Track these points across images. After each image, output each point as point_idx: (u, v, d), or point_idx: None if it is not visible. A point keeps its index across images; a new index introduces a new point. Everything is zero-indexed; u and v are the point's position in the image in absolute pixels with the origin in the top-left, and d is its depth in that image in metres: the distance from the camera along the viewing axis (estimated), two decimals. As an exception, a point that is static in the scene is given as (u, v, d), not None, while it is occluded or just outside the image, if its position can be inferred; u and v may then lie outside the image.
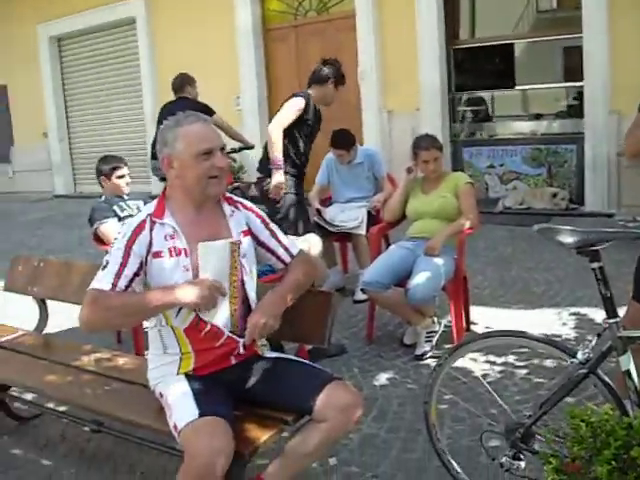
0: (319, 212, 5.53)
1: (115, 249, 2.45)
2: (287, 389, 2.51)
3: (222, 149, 2.51)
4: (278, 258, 2.72)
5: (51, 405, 3.50)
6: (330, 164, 5.73)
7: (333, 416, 2.38)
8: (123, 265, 2.41)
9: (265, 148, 5.00)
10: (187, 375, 2.50)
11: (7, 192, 14.70)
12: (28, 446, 3.56)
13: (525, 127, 8.67)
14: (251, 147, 7.63)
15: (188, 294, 2.38)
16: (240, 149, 7.75)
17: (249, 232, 2.63)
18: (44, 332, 3.95)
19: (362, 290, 4.26)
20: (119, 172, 4.73)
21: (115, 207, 4.66)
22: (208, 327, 2.48)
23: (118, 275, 2.39)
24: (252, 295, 2.61)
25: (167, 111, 6.74)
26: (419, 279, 3.98)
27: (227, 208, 2.62)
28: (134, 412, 2.70)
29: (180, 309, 2.45)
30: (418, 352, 4.16)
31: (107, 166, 4.74)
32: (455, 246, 4.22)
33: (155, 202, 2.57)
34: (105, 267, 2.43)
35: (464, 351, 2.59)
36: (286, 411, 2.50)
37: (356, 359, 4.28)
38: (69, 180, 13.79)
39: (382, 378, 3.97)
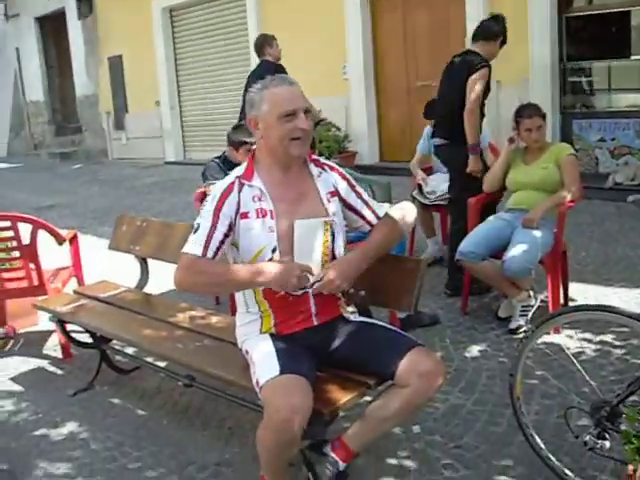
0: (419, 186, 5.48)
1: (205, 212, 2.51)
2: (370, 353, 2.52)
3: (307, 111, 2.52)
4: (365, 220, 2.72)
5: (149, 359, 3.67)
6: (430, 133, 5.63)
7: (415, 382, 2.38)
8: (213, 228, 2.47)
9: None
10: (272, 335, 2.55)
11: (121, 158, 15.35)
12: (126, 396, 3.75)
13: (640, 100, 8.22)
14: (320, 122, 7.67)
15: (276, 279, 2.42)
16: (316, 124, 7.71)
17: (336, 193, 2.64)
18: (144, 290, 4.14)
19: (457, 261, 4.19)
20: (246, 147, 4.72)
21: (228, 171, 4.62)
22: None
23: (208, 239, 2.46)
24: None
25: (250, 76, 7.11)
26: (515, 251, 3.88)
27: (314, 169, 2.63)
28: (221, 368, 2.79)
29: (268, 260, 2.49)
30: (512, 326, 4.07)
31: (237, 138, 4.63)
32: (555, 219, 4.07)
33: (245, 164, 2.62)
34: (196, 230, 2.50)
35: (552, 324, 2.51)
36: (368, 375, 2.52)
37: (449, 330, 4.23)
38: (179, 147, 14.19)
39: (474, 350, 3.91)
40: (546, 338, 2.73)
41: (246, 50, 12.17)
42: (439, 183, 5.42)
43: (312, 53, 10.54)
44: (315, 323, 2.58)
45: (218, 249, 2.49)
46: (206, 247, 2.47)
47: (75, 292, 4.14)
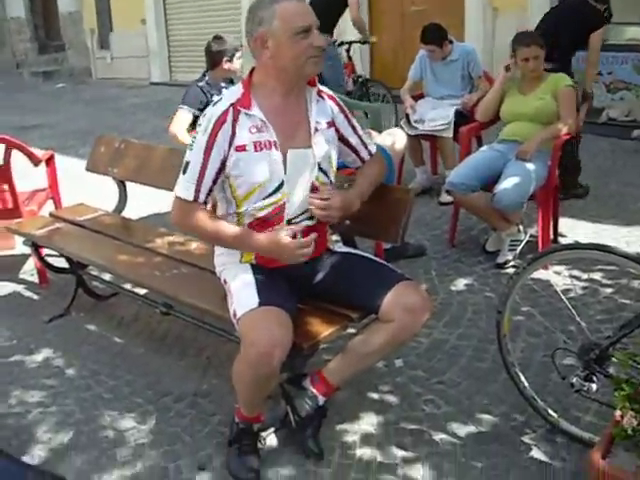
0: (407, 115, 5.30)
1: (196, 146, 2.32)
2: (355, 286, 2.42)
3: (318, 28, 2.32)
4: (358, 155, 2.58)
5: (127, 286, 3.56)
6: (423, 60, 5.43)
7: (399, 316, 2.29)
8: (204, 167, 2.30)
9: None
10: (252, 265, 2.43)
11: (105, 78, 14.92)
12: (102, 323, 3.67)
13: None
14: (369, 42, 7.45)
15: (269, 254, 2.34)
16: (364, 42, 7.39)
17: (333, 124, 2.47)
18: (123, 214, 4.00)
19: (447, 192, 4.07)
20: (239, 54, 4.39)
21: (214, 93, 4.22)
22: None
23: (200, 180, 2.31)
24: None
25: None
26: (507, 184, 3.75)
27: (314, 94, 2.44)
28: (197, 296, 2.70)
29: (263, 198, 2.35)
30: (500, 260, 3.98)
31: (226, 47, 4.29)
32: (550, 152, 3.93)
33: (239, 88, 2.38)
34: (186, 170, 2.34)
35: (544, 261, 2.41)
36: (352, 308, 2.43)
37: (435, 262, 4.14)
38: (165, 68, 13.76)
39: (460, 284, 3.83)
40: (535, 274, 2.62)
41: (235, -33, 11.73)
42: (426, 110, 5.25)
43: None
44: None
45: (211, 190, 2.35)
46: (197, 190, 2.32)
47: (51, 215, 4.00)
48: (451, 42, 5.30)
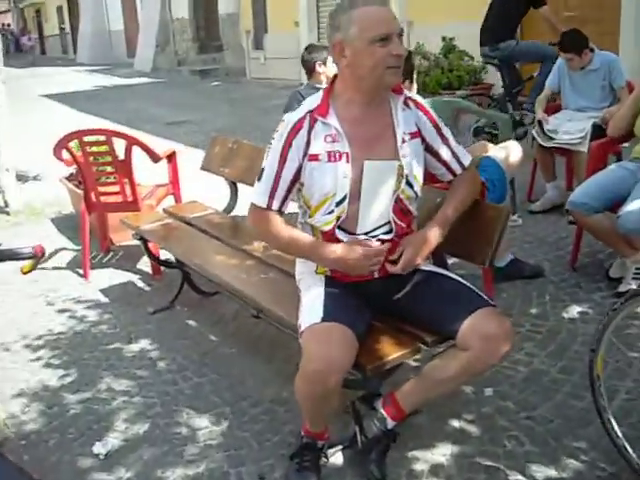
0: (540, 123, 4.99)
1: (272, 152, 2.27)
2: (433, 307, 2.27)
3: (400, 35, 2.19)
4: (448, 168, 2.41)
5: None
6: (562, 68, 5.10)
7: (477, 345, 2.12)
8: (279, 174, 2.24)
9: None
10: (327, 277, 2.35)
11: (259, 77, 15.39)
12: (202, 320, 3.72)
13: None
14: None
15: (341, 266, 2.26)
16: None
17: (418, 134, 2.32)
18: (233, 213, 4.04)
19: (566, 211, 3.77)
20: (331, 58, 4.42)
21: None
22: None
23: (274, 187, 2.25)
24: (413, 209, 2.36)
25: None
26: (634, 205, 3.39)
27: (398, 104, 2.30)
28: (277, 303, 2.65)
29: (329, 212, 2.25)
30: (621, 289, 3.63)
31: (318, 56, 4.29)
32: (688, 173, 3.54)
33: (319, 96, 2.30)
34: (261, 176, 2.29)
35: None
36: (429, 331, 2.28)
37: (552, 285, 3.85)
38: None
39: (573, 311, 3.53)
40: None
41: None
42: (562, 122, 4.91)
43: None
44: (376, 276, 2.33)
45: (286, 197, 2.29)
46: (272, 196, 2.27)
47: (164, 211, 4.11)
48: (592, 50, 4.94)
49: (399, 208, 2.29)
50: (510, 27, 7.14)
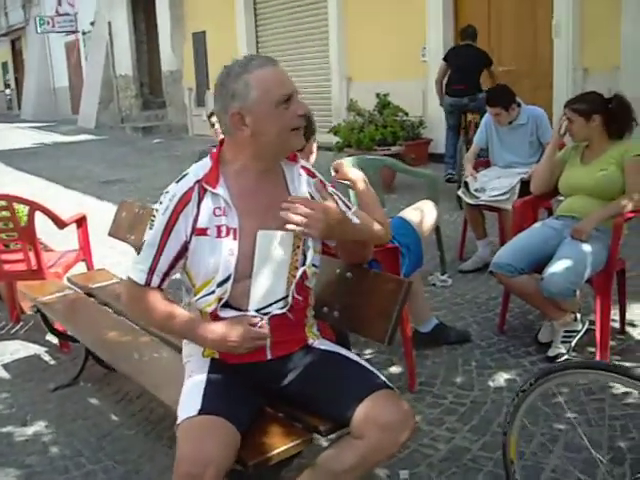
0: (466, 183, 4.91)
1: (155, 226, 2.03)
2: (327, 391, 2.05)
3: (297, 93, 2.03)
4: None
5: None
6: (489, 124, 5.06)
7: (373, 434, 1.91)
8: (160, 249, 2.01)
9: None
10: (213, 360, 2.11)
11: (201, 134, 15.23)
12: (105, 397, 3.45)
13: None
14: None
15: (221, 347, 2.05)
16: None
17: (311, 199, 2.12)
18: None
19: (490, 272, 3.63)
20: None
21: None
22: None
23: (154, 263, 2.03)
24: (311, 284, 2.15)
25: (454, 54, 7.73)
26: (557, 267, 3.28)
27: (291, 171, 2.13)
28: (167, 388, 2.40)
29: (210, 292, 2.04)
30: (550, 353, 3.47)
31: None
32: (611, 232, 3.44)
33: (206, 163, 2.07)
34: (141, 250, 2.07)
35: (558, 379, 1.97)
36: (323, 418, 2.06)
37: (479, 350, 3.68)
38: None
39: (500, 379, 3.36)
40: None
41: (325, 28, 11.78)
42: (490, 179, 4.84)
43: (389, 33, 10.00)
44: (269, 357, 2.10)
45: (166, 275, 2.06)
46: (151, 272, 2.04)
47: (68, 280, 3.86)
48: (519, 105, 4.91)
49: (301, 282, 2.09)
50: (478, 81, 7.71)
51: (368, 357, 3.58)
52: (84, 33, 21.14)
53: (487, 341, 3.79)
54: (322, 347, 2.20)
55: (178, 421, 1.93)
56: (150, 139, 15.84)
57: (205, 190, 2.01)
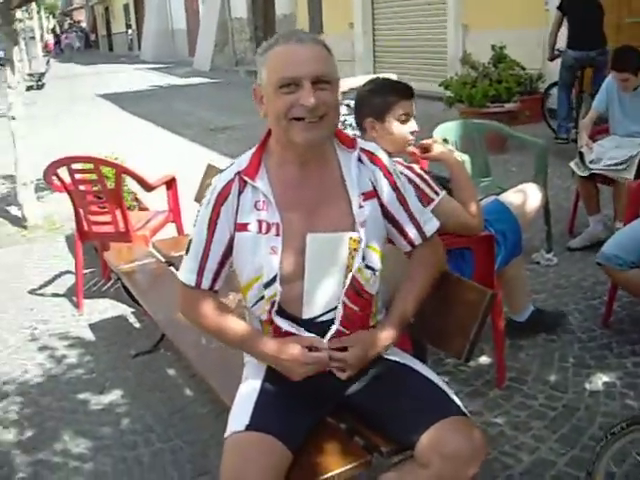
0: (580, 154, 4.48)
1: (199, 222, 1.89)
2: (393, 410, 1.87)
3: (327, 82, 1.74)
4: (406, 238, 1.97)
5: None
6: (611, 89, 4.57)
7: (437, 464, 1.71)
8: (207, 248, 1.87)
9: None
10: (270, 368, 1.95)
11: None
12: (182, 369, 3.43)
13: None
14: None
15: (277, 365, 1.89)
16: None
17: (375, 195, 1.90)
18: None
19: (597, 263, 3.28)
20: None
21: None
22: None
23: (203, 262, 1.89)
24: (372, 290, 1.93)
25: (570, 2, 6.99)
26: (674, 263, 2.93)
27: (351, 159, 1.88)
28: (224, 375, 2.30)
29: (258, 300, 1.89)
30: (658, 358, 3.15)
31: None
32: None
33: (250, 153, 1.90)
34: (189, 249, 1.93)
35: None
36: (386, 437, 1.88)
37: (578, 345, 3.35)
38: (369, 71, 13.57)
39: (598, 381, 3.05)
40: None
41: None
42: (608, 149, 4.39)
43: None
44: (327, 369, 1.92)
45: (217, 274, 1.92)
46: (200, 273, 1.90)
47: (153, 246, 3.82)
48: (648, 68, 4.40)
49: (354, 290, 1.89)
50: (604, 33, 7.00)
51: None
52: (202, -24, 21.22)
53: (588, 334, 3.47)
54: (393, 358, 1.99)
55: (227, 433, 1.81)
56: (262, 84, 15.81)
57: (245, 182, 1.85)
